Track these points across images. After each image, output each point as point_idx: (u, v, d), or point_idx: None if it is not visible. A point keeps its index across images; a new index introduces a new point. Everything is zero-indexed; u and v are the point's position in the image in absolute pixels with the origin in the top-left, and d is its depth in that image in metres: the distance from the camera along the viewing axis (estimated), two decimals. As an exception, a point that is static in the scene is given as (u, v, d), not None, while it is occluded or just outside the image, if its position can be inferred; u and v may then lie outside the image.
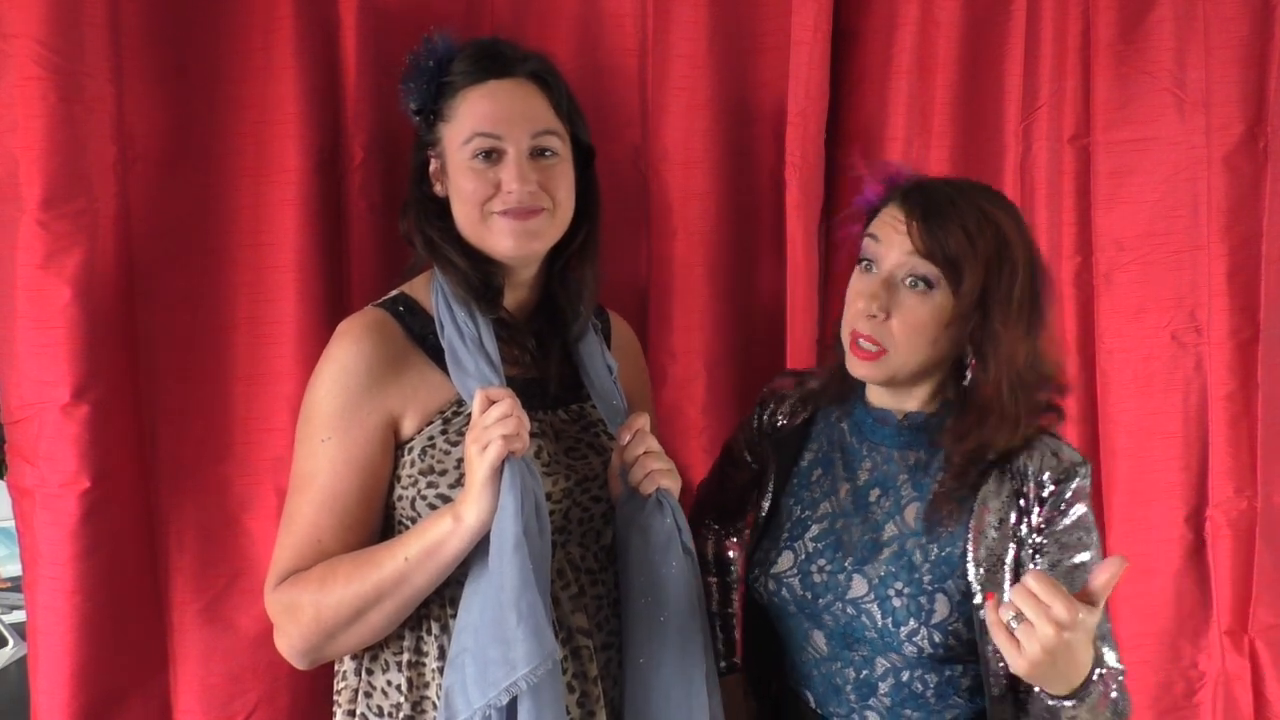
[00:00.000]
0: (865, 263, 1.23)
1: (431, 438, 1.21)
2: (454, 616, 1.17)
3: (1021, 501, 1.20)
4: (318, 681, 1.44)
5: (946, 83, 1.65)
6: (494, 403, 1.13)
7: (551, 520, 1.18)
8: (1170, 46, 1.69)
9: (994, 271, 1.17)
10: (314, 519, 1.20)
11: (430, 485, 1.20)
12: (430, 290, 1.28)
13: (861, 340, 1.21)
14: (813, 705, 1.30)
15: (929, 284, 1.18)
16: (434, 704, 1.20)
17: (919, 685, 1.22)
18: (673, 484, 1.23)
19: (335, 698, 1.30)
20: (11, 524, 1.43)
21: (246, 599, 1.47)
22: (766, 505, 1.35)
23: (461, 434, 1.19)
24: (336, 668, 1.30)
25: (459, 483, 1.18)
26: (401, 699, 1.22)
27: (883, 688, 1.23)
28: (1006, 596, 1.10)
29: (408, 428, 1.22)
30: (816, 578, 1.25)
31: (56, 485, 1.36)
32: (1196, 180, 1.71)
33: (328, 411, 1.20)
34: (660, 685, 1.21)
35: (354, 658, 1.26)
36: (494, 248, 1.24)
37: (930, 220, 1.17)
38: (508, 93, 1.23)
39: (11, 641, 2.14)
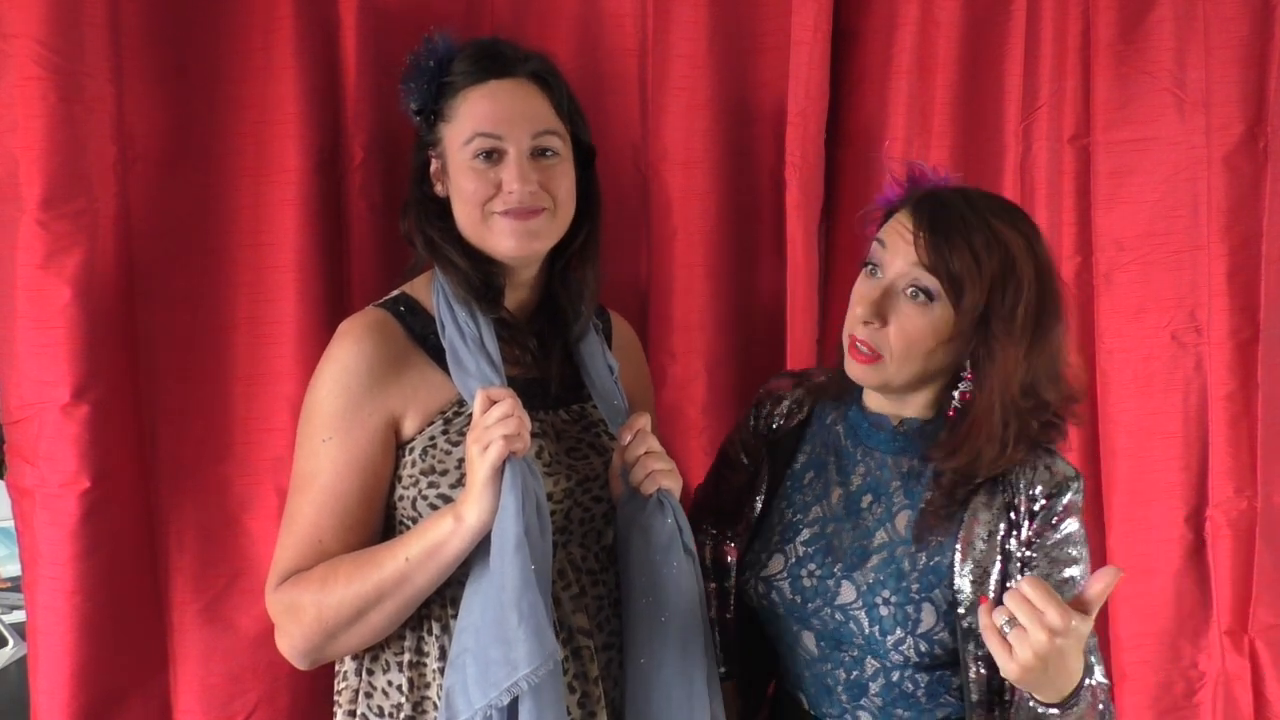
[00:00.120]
0: (870, 266, 1.23)
1: (432, 438, 1.21)
2: (455, 617, 1.17)
3: (1012, 514, 1.20)
4: (318, 682, 1.43)
5: (946, 83, 1.65)
6: (495, 403, 1.13)
7: (553, 520, 1.18)
8: (1170, 46, 1.69)
9: (997, 291, 1.15)
10: (315, 519, 1.20)
11: (431, 485, 1.20)
12: (431, 290, 1.27)
13: (858, 344, 1.21)
14: (806, 707, 1.30)
15: (929, 296, 1.17)
16: (435, 704, 1.20)
17: (910, 685, 1.22)
18: (674, 484, 1.23)
19: (336, 698, 1.30)
20: (11, 524, 1.43)
21: (246, 599, 1.47)
22: (759, 507, 1.35)
23: (462, 434, 1.19)
24: (337, 668, 1.30)
25: (460, 483, 1.18)
26: (402, 699, 1.22)
27: (873, 688, 1.23)
28: None
29: (409, 428, 1.22)
30: (806, 582, 1.25)
31: (56, 485, 1.36)
32: (1196, 180, 1.71)
33: (329, 411, 1.20)
34: (661, 685, 1.21)
35: (355, 658, 1.26)
36: (495, 248, 1.24)
37: (938, 234, 1.16)
38: (508, 93, 1.23)
39: (11, 641, 2.13)
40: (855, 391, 1.33)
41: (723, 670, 1.37)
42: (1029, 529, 1.19)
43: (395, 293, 1.30)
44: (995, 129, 1.68)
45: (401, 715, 1.22)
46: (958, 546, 1.19)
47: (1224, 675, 1.78)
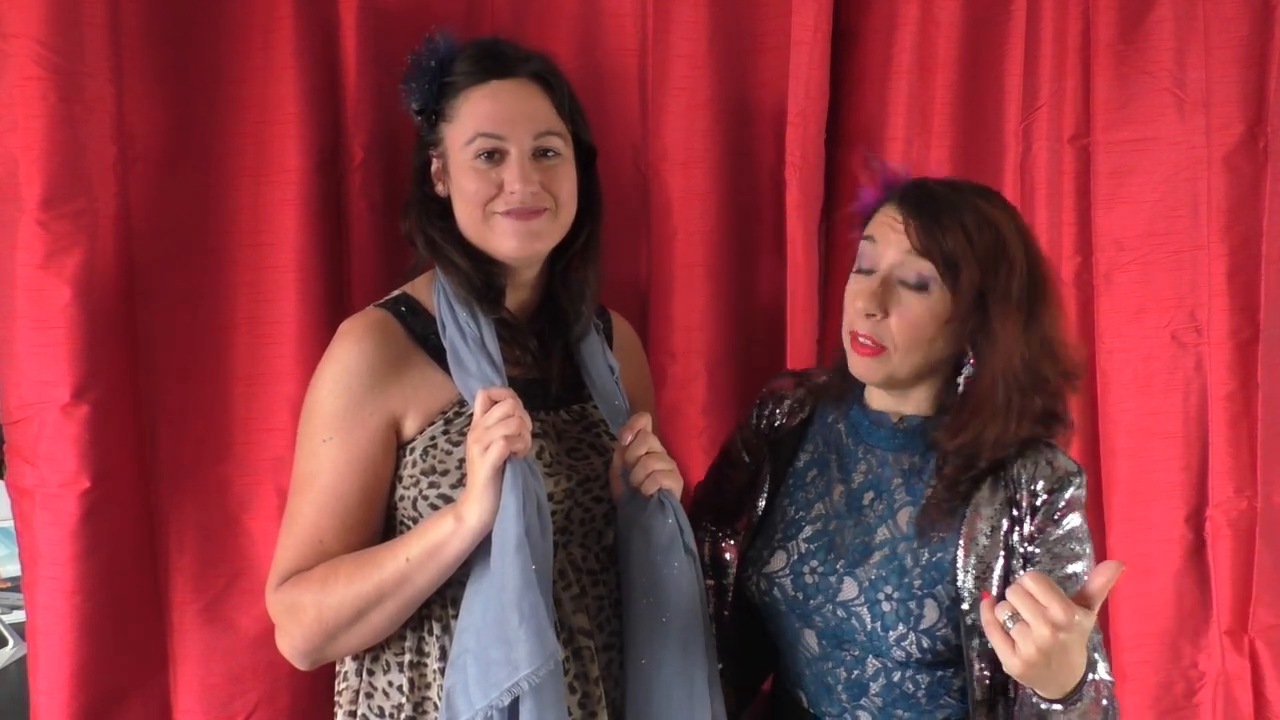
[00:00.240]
0: (862, 263, 1.24)
1: (433, 438, 1.21)
2: (455, 617, 1.17)
3: (1014, 510, 1.20)
4: (318, 682, 1.43)
5: (946, 83, 1.65)
6: (496, 403, 1.13)
7: (553, 521, 1.18)
8: (1170, 46, 1.69)
9: (991, 270, 1.17)
10: (315, 519, 1.20)
11: (432, 485, 1.20)
12: (432, 290, 1.27)
13: (861, 338, 1.21)
14: (805, 705, 1.30)
15: (926, 283, 1.18)
16: (435, 705, 1.20)
17: (910, 686, 1.22)
18: (675, 484, 1.23)
19: (336, 698, 1.30)
20: (11, 524, 1.43)
21: (246, 599, 1.47)
22: (762, 505, 1.35)
23: (463, 434, 1.19)
24: (338, 668, 1.30)
25: (461, 483, 1.17)
26: (403, 700, 1.22)
27: (874, 688, 1.23)
28: None
29: (409, 428, 1.22)
30: (808, 579, 1.25)
31: (56, 485, 1.35)
32: (1196, 180, 1.71)
33: (329, 412, 1.20)
34: (662, 686, 1.21)
35: (355, 658, 1.26)
36: (496, 248, 1.24)
37: (927, 219, 1.18)
38: (510, 93, 1.23)
39: (11, 641, 2.13)
40: (856, 390, 1.33)
41: (720, 667, 1.36)
42: (1031, 524, 1.19)
43: (396, 293, 1.30)
44: (995, 129, 1.68)
45: (402, 716, 1.22)
46: (960, 542, 1.19)
47: (1224, 675, 1.78)
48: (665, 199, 1.63)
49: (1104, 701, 1.11)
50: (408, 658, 1.22)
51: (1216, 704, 1.78)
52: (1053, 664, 1.01)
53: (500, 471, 1.11)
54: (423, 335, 1.25)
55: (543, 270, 1.32)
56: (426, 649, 1.22)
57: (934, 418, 1.26)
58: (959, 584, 1.18)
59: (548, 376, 1.30)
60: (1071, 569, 1.17)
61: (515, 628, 1.08)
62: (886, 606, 1.20)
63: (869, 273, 1.22)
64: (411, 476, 1.21)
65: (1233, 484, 1.74)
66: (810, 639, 1.27)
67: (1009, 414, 1.18)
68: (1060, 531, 1.19)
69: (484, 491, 1.11)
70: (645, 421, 1.23)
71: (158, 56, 1.40)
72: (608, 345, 1.38)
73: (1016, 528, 1.19)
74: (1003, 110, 1.67)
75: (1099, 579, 1.01)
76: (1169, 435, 1.75)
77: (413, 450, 1.22)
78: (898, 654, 1.19)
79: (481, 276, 1.25)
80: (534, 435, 1.18)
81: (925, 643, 1.18)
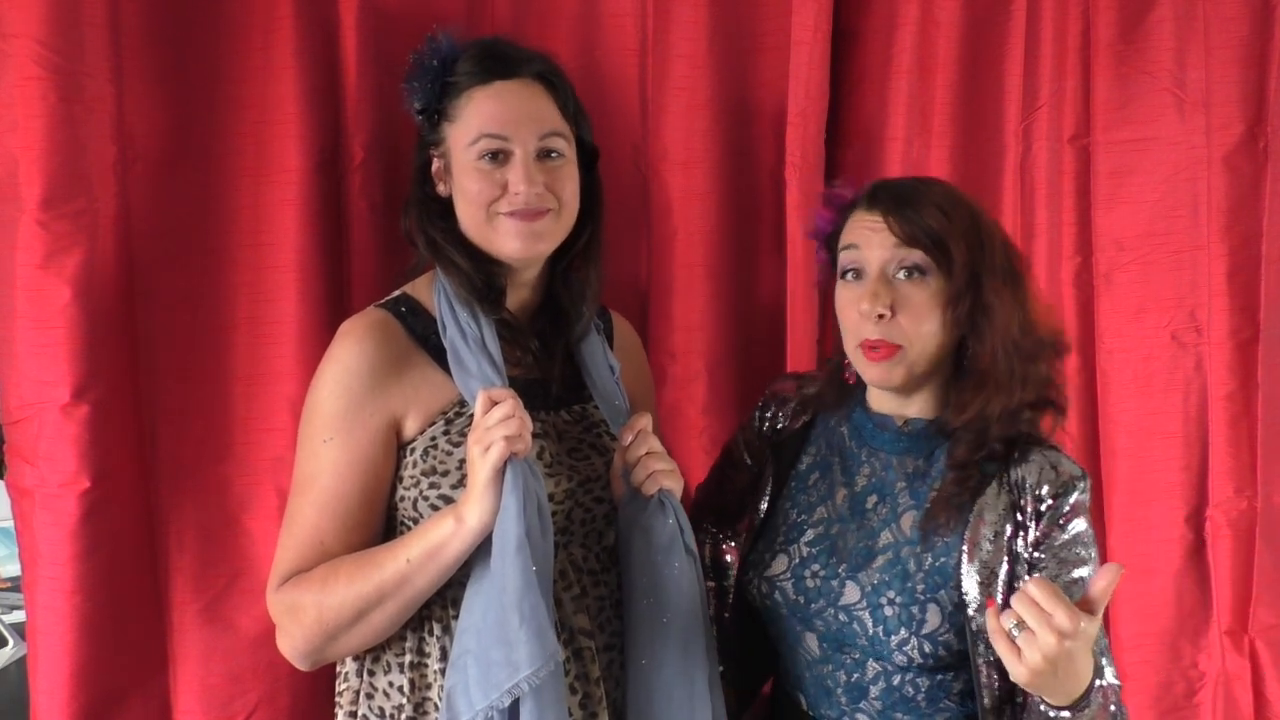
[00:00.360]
0: (849, 274, 1.24)
1: (434, 438, 1.21)
2: (456, 618, 1.17)
3: (1019, 515, 1.20)
4: (318, 682, 1.43)
5: (946, 83, 1.65)
6: (496, 403, 1.13)
7: (554, 521, 1.18)
8: (1170, 46, 1.69)
9: (975, 244, 1.19)
10: (316, 520, 1.20)
11: (432, 486, 1.20)
12: (432, 291, 1.27)
13: (872, 345, 1.21)
14: (805, 708, 1.30)
15: (921, 271, 1.20)
16: (436, 705, 1.20)
17: (910, 689, 1.22)
18: (675, 485, 1.23)
19: (337, 699, 1.30)
20: (11, 524, 1.43)
21: (246, 599, 1.47)
22: (764, 508, 1.35)
23: (464, 435, 1.19)
24: (338, 669, 1.30)
25: (461, 483, 1.17)
26: (403, 700, 1.22)
27: (874, 691, 1.23)
28: None
29: (410, 428, 1.22)
30: (810, 583, 1.25)
31: (56, 485, 1.35)
32: (1196, 180, 1.71)
33: (330, 412, 1.20)
34: (662, 686, 1.21)
35: (356, 659, 1.26)
36: (500, 249, 1.24)
37: (905, 209, 1.20)
38: (514, 94, 1.23)
39: (11, 641, 2.13)
40: (857, 394, 1.33)
41: (721, 669, 1.36)
42: (1036, 530, 1.19)
43: (396, 293, 1.30)
44: (995, 129, 1.68)
45: (403, 716, 1.22)
46: (964, 547, 1.19)
47: (1224, 675, 1.78)
48: (665, 199, 1.63)
49: (1112, 707, 1.11)
50: (408, 658, 1.22)
51: (1217, 704, 1.78)
52: (1059, 672, 1.00)
53: (501, 472, 1.11)
54: (423, 335, 1.25)
55: (543, 270, 1.32)
56: (427, 650, 1.22)
57: (937, 420, 1.26)
58: (962, 589, 1.18)
59: (548, 377, 1.29)
60: (1077, 574, 1.17)
61: (516, 629, 1.08)
62: (889, 611, 1.19)
63: (859, 278, 1.22)
64: (412, 477, 1.21)
65: (1233, 484, 1.74)
66: (811, 642, 1.26)
67: (1013, 382, 1.20)
68: (1066, 536, 1.18)
69: (484, 492, 1.11)
70: (646, 422, 1.23)
71: (158, 56, 1.40)
72: (608, 345, 1.38)
73: (1021, 533, 1.19)
74: (1003, 110, 1.67)
75: (1100, 583, 1.01)
76: (1169, 435, 1.75)
77: (413, 451, 1.21)
78: (899, 658, 1.19)
79: (482, 277, 1.24)
80: (535, 436, 1.18)
81: (927, 647, 1.18)
